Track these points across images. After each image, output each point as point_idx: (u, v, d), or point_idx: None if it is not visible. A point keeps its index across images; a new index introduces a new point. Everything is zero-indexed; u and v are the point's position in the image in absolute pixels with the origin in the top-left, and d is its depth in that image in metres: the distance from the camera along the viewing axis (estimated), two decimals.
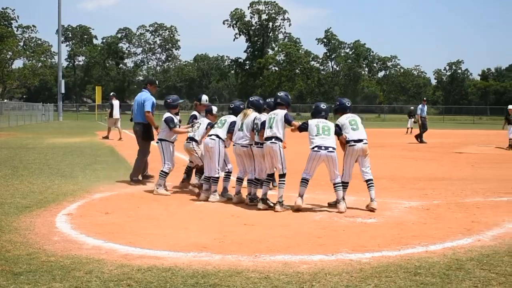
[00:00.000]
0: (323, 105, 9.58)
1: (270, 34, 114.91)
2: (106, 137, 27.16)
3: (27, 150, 20.17)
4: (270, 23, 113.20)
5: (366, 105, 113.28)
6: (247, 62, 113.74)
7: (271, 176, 9.44)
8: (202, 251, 6.40)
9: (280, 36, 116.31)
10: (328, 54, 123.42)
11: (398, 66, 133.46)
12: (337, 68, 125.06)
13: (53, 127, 41.80)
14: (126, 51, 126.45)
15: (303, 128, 9.34)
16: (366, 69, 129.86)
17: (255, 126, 9.53)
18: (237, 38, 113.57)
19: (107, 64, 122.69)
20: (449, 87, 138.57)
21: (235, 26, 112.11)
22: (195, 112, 11.72)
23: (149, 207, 9.36)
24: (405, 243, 6.87)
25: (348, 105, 9.86)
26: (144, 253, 6.32)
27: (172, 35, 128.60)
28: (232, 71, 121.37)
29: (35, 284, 5.17)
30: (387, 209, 9.23)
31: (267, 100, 10.25)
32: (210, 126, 10.56)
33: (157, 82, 13.11)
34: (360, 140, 9.35)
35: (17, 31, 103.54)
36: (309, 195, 9.60)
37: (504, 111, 26.19)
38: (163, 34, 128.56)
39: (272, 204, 9.16)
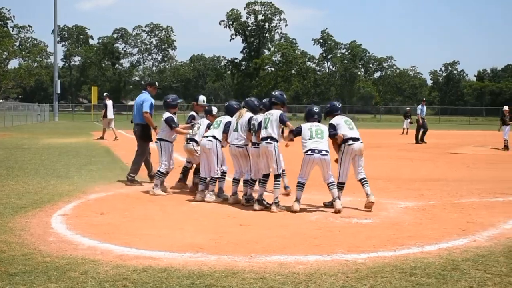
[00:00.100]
0: (315, 108, 9.62)
1: (266, 35, 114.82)
2: (101, 138, 27.11)
3: (22, 150, 20.12)
4: (266, 24, 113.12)
5: (362, 105, 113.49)
6: (243, 62, 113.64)
7: (266, 177, 9.44)
8: (198, 252, 6.40)
9: (276, 36, 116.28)
10: (324, 54, 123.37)
11: (394, 67, 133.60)
12: (333, 69, 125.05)
13: (49, 128, 41.72)
14: (122, 52, 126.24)
15: (297, 132, 9.36)
16: (362, 69, 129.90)
17: (252, 127, 9.54)
18: (233, 38, 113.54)
19: (103, 65, 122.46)
20: (445, 87, 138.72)
21: (231, 26, 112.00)
22: (193, 113, 11.71)
23: (144, 207, 9.35)
24: (401, 244, 6.88)
25: (339, 106, 10.00)
26: (139, 253, 6.32)
27: (168, 36, 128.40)
28: (228, 72, 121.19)
29: (30, 284, 5.16)
30: (383, 209, 9.24)
31: (263, 101, 10.26)
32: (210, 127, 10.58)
33: (157, 83, 13.13)
34: (357, 139, 9.41)
35: (12, 31, 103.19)
36: (305, 195, 9.59)
37: (499, 112, 26.24)
38: (159, 34, 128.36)
39: (268, 205, 9.17)
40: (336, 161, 9.58)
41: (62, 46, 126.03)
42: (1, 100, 71.13)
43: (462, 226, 7.96)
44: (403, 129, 38.98)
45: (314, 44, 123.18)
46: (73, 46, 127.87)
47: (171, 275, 5.48)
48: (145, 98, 12.19)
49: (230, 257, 6.19)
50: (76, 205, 9.42)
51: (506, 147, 23.58)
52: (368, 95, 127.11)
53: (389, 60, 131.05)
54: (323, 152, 9.01)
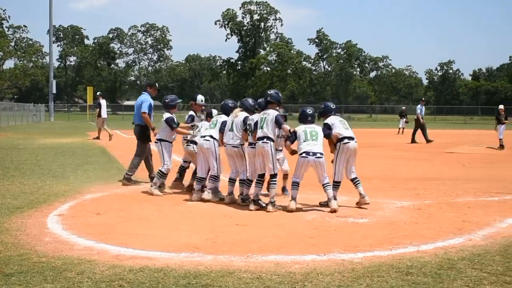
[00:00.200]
0: (309, 110, 9.61)
1: (262, 34, 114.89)
2: (97, 138, 27.07)
3: (18, 150, 20.09)
4: (262, 23, 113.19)
5: (357, 105, 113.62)
6: (239, 62, 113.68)
7: (262, 177, 9.44)
8: (194, 252, 6.39)
9: (272, 36, 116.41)
10: (319, 54, 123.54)
11: (390, 66, 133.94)
12: (329, 68, 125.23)
13: (45, 128, 41.66)
14: (118, 52, 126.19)
15: (293, 139, 9.39)
16: (358, 69, 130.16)
17: (248, 127, 9.54)
18: (229, 38, 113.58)
19: (99, 65, 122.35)
20: (440, 87, 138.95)
21: (227, 26, 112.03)
22: (192, 112, 11.67)
23: (140, 207, 9.34)
24: (397, 243, 6.89)
25: (333, 107, 10.03)
26: (136, 253, 6.31)
27: (163, 35, 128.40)
28: (224, 72, 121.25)
29: (26, 285, 5.16)
30: (379, 209, 9.25)
31: (258, 101, 10.26)
32: None
33: (157, 84, 13.15)
34: (352, 138, 9.45)
35: (8, 31, 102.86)
36: (301, 195, 9.60)
37: (495, 111, 26.30)
38: (155, 34, 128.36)
39: (264, 205, 9.17)
40: (333, 161, 9.59)
41: (58, 46, 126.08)
42: None
43: (458, 225, 7.97)
44: (399, 128, 39.03)
45: (309, 44, 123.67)
46: (69, 46, 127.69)
47: (167, 275, 5.48)
48: (144, 99, 12.23)
49: (226, 257, 6.19)
50: (72, 205, 9.41)
51: (501, 146, 23.63)
52: (364, 94, 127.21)
53: (385, 60, 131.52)
54: (318, 155, 9.03)
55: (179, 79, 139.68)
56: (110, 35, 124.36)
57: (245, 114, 9.80)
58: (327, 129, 9.48)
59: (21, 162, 15.99)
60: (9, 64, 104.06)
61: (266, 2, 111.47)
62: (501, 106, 25.70)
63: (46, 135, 30.95)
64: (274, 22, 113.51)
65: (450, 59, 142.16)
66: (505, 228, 7.82)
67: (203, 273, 5.56)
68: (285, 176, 10.54)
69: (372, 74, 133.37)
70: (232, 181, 9.95)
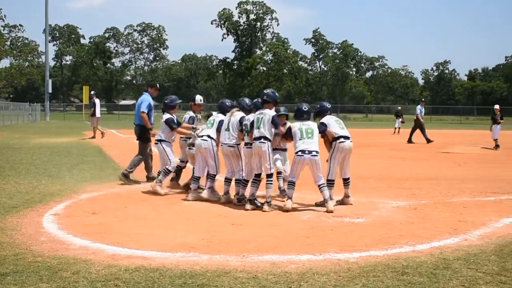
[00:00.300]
0: (305, 107, 9.58)
1: (258, 34, 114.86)
2: (93, 137, 27.06)
3: (13, 150, 20.05)
4: (258, 23, 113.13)
5: (353, 105, 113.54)
6: (235, 62, 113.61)
7: (258, 176, 9.43)
8: (190, 251, 6.39)
9: (268, 36, 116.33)
10: (316, 54, 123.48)
11: (386, 66, 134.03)
12: (325, 68, 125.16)
13: (40, 127, 41.58)
14: (114, 51, 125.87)
15: (289, 135, 9.40)
16: (354, 69, 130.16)
17: (244, 127, 9.53)
18: (225, 38, 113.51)
19: (95, 64, 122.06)
20: (436, 87, 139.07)
21: (223, 26, 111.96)
22: (191, 112, 11.60)
23: (136, 207, 9.33)
24: (393, 243, 6.90)
25: (329, 107, 10.04)
26: (131, 253, 6.31)
27: (160, 35, 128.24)
28: (220, 71, 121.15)
29: (22, 284, 5.15)
30: (375, 208, 9.26)
31: (254, 101, 10.25)
32: None
33: (158, 85, 13.21)
34: (348, 138, 9.48)
35: (3, 30, 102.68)
36: (297, 194, 9.61)
37: (491, 111, 26.35)
38: (151, 33, 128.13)
39: (259, 204, 9.17)
40: (327, 161, 9.61)
41: (54, 45, 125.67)
42: None
43: (453, 225, 7.99)
44: (395, 128, 39.06)
45: (306, 44, 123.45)
46: (65, 46, 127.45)
47: (163, 274, 5.47)
48: (144, 99, 12.40)
49: (222, 257, 6.19)
50: (67, 204, 9.40)
51: (497, 146, 23.68)
52: (360, 94, 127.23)
53: (381, 60, 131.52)
54: (313, 153, 9.05)
55: (175, 79, 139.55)
56: (106, 35, 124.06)
57: (241, 114, 9.80)
58: (323, 126, 9.51)
59: (17, 161, 15.96)
60: (4, 63, 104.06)
61: (262, 1, 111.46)
62: (497, 106, 25.77)
63: (42, 134, 30.91)
64: (270, 22, 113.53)
65: (446, 59, 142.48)
66: (500, 228, 7.84)
67: (199, 272, 5.56)
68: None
69: (368, 74, 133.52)
70: (228, 180, 9.95)
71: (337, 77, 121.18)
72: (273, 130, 9.28)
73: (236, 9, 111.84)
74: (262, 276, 5.46)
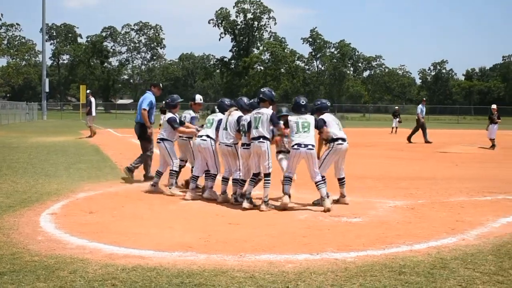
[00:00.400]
0: (302, 100, 9.48)
1: (256, 33, 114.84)
2: (90, 136, 27.08)
3: (10, 149, 20.02)
4: (256, 22, 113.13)
5: (351, 104, 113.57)
6: (233, 61, 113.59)
7: (257, 175, 9.42)
8: (187, 251, 6.39)
9: (265, 35, 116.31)
10: (313, 53, 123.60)
11: (383, 66, 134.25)
12: (322, 68, 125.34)
13: (37, 126, 41.53)
14: (111, 50, 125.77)
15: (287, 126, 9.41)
16: (351, 68, 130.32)
17: (241, 128, 9.51)
18: (222, 37, 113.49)
19: (92, 63, 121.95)
20: (433, 87, 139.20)
21: (220, 25, 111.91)
22: (191, 112, 11.57)
23: (133, 206, 9.32)
24: (390, 242, 6.90)
25: (328, 104, 10.06)
26: (128, 252, 6.30)
27: (157, 34, 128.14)
28: (218, 70, 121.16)
29: (19, 284, 5.14)
30: (372, 208, 9.26)
31: (250, 101, 10.22)
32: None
33: (161, 84, 13.33)
34: (345, 140, 9.49)
35: (0, 29, 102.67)
36: (294, 194, 9.62)
37: (488, 111, 26.37)
38: (148, 33, 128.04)
39: (255, 204, 9.16)
40: (319, 157, 9.59)
41: (51, 44, 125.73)
42: None
43: (451, 224, 7.99)
44: (392, 128, 39.10)
45: (303, 43, 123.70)
46: (62, 45, 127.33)
47: (160, 274, 5.47)
48: (146, 97, 12.55)
49: (219, 256, 6.18)
50: (64, 204, 9.38)
51: (493, 146, 23.72)
52: (357, 94, 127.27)
53: (378, 59, 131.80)
54: (309, 147, 9.05)
55: (173, 78, 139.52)
56: (103, 34, 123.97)
57: (239, 113, 9.79)
58: (322, 122, 9.48)
59: (14, 160, 15.94)
60: (1, 62, 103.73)
61: (260, 1, 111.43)
62: (494, 106, 25.80)
63: (39, 133, 30.87)
64: (268, 21, 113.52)
65: (443, 59, 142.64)
66: (498, 228, 7.84)
67: (196, 272, 5.56)
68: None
69: (366, 74, 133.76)
70: (225, 180, 9.95)
71: (334, 77, 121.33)
72: (273, 128, 9.29)
73: (234, 8, 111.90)
74: (259, 276, 5.46)
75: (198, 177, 10.31)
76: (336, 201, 9.60)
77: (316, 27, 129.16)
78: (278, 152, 9.99)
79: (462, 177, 13.72)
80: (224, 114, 10.12)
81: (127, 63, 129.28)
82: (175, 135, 11.07)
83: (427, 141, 26.85)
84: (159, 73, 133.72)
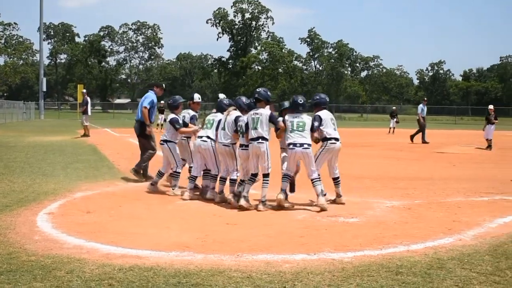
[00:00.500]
0: (300, 99, 9.45)
1: (253, 33, 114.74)
2: (86, 135, 27.12)
3: (7, 148, 20.00)
4: (253, 22, 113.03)
5: (348, 104, 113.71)
6: (230, 61, 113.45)
7: (255, 176, 9.39)
8: (184, 251, 6.38)
9: (263, 35, 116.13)
10: (311, 53, 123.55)
11: (381, 66, 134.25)
12: (320, 68, 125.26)
13: (34, 126, 41.49)
14: (109, 50, 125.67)
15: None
16: (349, 69, 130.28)
17: (239, 128, 9.50)
18: (220, 37, 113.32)
19: (89, 62, 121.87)
20: (431, 87, 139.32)
21: (218, 25, 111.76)
22: (190, 111, 11.56)
23: (131, 206, 9.32)
24: (387, 243, 6.90)
25: (327, 100, 10.05)
26: (126, 252, 6.29)
27: (155, 34, 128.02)
28: (215, 70, 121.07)
29: (15, 284, 5.13)
30: (369, 208, 9.27)
31: (249, 100, 10.21)
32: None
33: (164, 85, 13.42)
34: (338, 139, 9.48)
35: None
36: (290, 194, 9.62)
37: (485, 111, 26.39)
38: (146, 32, 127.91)
39: (251, 204, 9.14)
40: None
41: (48, 43, 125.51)
42: None
43: (448, 225, 8.00)
44: (390, 128, 39.12)
45: (301, 43, 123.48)
46: (59, 44, 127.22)
47: (157, 274, 5.47)
48: (147, 96, 12.63)
49: (216, 256, 6.18)
50: (62, 203, 9.37)
51: (489, 147, 23.75)
52: (355, 94, 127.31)
53: (376, 60, 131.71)
54: (305, 146, 9.04)
55: (170, 78, 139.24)
56: (101, 33, 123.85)
57: (237, 113, 9.77)
58: (317, 122, 9.44)
59: (11, 160, 15.92)
60: None
61: (258, 1, 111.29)
62: (491, 106, 25.83)
63: (36, 133, 30.83)
64: (266, 21, 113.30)
65: (441, 60, 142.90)
66: (494, 228, 7.85)
67: (193, 272, 5.55)
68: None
69: (363, 74, 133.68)
70: (222, 180, 9.94)
71: (332, 77, 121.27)
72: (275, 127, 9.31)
73: (232, 8, 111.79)
74: (257, 276, 5.46)
75: (196, 177, 10.32)
76: (332, 201, 9.61)
77: (314, 27, 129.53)
78: (283, 149, 9.95)
79: (459, 177, 13.74)
80: (223, 114, 10.12)
81: (124, 62, 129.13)
82: (178, 136, 11.06)
83: (424, 141, 26.87)
84: (157, 73, 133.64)
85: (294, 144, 9.06)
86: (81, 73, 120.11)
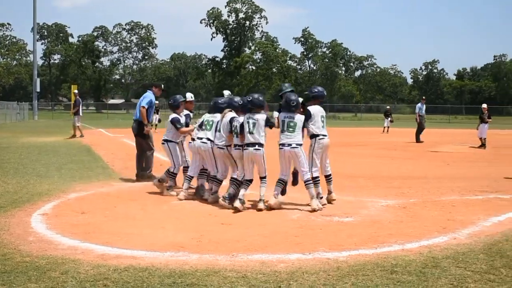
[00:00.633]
0: (293, 97, 9.33)
1: (247, 33, 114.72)
2: (81, 135, 27.11)
3: (1, 149, 19.94)
4: (247, 22, 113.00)
5: (343, 104, 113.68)
6: (224, 61, 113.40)
7: (250, 182, 9.34)
8: (179, 251, 6.38)
9: (257, 35, 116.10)
10: (305, 53, 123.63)
11: (375, 66, 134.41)
12: (314, 67, 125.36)
13: (28, 126, 41.37)
14: (102, 50, 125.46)
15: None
16: (343, 68, 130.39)
17: (233, 129, 9.48)
18: (214, 37, 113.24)
19: (83, 63, 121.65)
20: (425, 86, 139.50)
21: (212, 25, 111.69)
22: (186, 111, 11.54)
23: (125, 206, 9.30)
24: (382, 242, 6.91)
25: (325, 94, 10.05)
26: (120, 253, 6.29)
27: (148, 34, 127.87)
28: (209, 70, 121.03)
29: (10, 285, 5.12)
30: (364, 207, 9.27)
31: (242, 100, 10.17)
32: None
33: (162, 85, 13.44)
34: (326, 135, 9.45)
35: None
36: (288, 194, 9.62)
37: (479, 110, 26.45)
38: (140, 32, 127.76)
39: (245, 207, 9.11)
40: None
41: (42, 44, 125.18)
42: None
43: (442, 223, 8.01)
44: (384, 127, 39.16)
45: (295, 43, 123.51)
46: (53, 44, 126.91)
47: (152, 274, 5.46)
48: (146, 95, 12.65)
49: (211, 256, 6.18)
50: (56, 204, 9.35)
51: (483, 145, 23.81)
52: (349, 93, 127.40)
53: (370, 59, 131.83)
54: (293, 145, 9.02)
55: (164, 78, 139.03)
56: (95, 33, 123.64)
57: (232, 114, 9.73)
58: (308, 121, 9.40)
59: (5, 161, 15.88)
60: None
61: (251, 0, 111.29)
62: (484, 105, 25.90)
63: (30, 133, 30.76)
64: (260, 21, 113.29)
65: (434, 59, 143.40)
66: (489, 227, 7.87)
67: (188, 272, 5.55)
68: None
69: (357, 73, 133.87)
70: (218, 181, 9.93)
71: (326, 76, 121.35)
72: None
73: (225, 8, 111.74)
74: (252, 276, 5.46)
75: (192, 177, 10.29)
76: (327, 200, 9.58)
77: (308, 27, 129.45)
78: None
79: (453, 176, 13.77)
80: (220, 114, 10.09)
81: (118, 63, 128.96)
82: (180, 136, 11.04)
83: (418, 140, 26.89)
84: (151, 73, 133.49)
85: (283, 145, 9.08)
86: (75, 74, 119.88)
